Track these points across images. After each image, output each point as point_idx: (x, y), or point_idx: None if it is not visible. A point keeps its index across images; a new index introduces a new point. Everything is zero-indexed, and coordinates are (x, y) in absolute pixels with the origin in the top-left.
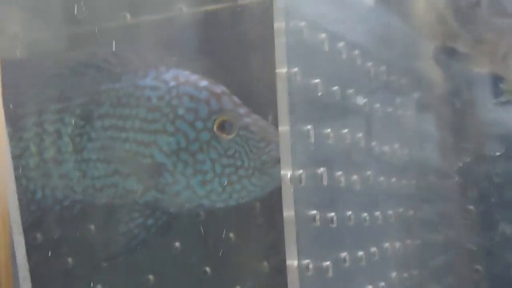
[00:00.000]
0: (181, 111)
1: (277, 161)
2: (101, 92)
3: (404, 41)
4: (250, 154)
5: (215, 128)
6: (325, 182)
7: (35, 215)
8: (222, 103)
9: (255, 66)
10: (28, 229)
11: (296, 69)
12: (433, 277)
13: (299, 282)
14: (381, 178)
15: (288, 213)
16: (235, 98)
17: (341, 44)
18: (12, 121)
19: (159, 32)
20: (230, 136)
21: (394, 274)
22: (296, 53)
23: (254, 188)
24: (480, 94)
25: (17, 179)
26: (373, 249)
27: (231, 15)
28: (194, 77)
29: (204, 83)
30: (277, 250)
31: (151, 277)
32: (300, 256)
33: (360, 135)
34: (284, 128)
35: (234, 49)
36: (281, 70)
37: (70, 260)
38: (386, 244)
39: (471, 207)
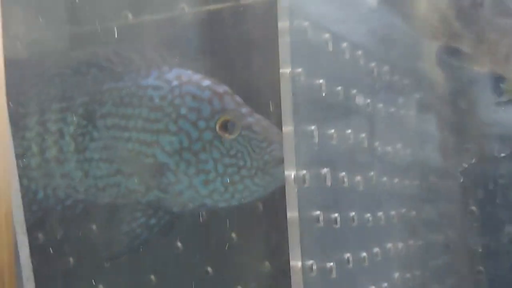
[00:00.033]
0: (183, 111)
1: (280, 161)
2: (104, 92)
3: (406, 41)
4: (252, 154)
5: (217, 127)
6: (328, 183)
7: (36, 215)
8: (224, 103)
9: (257, 66)
10: (30, 229)
11: (300, 69)
12: (435, 277)
13: (303, 283)
14: (384, 179)
15: (292, 213)
16: (238, 98)
17: (344, 44)
18: (14, 120)
19: (161, 31)
20: (232, 136)
21: (396, 275)
22: (300, 53)
23: (256, 188)
24: (483, 95)
25: (19, 178)
26: (376, 249)
27: (234, 15)
28: (196, 77)
29: (206, 82)
30: (279, 251)
31: (152, 277)
32: (304, 257)
33: (363, 135)
34: (288, 128)
35: (236, 49)
36: (285, 70)
37: (72, 260)
38: (389, 245)
39: (473, 208)
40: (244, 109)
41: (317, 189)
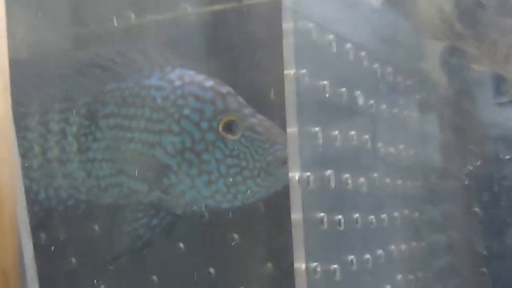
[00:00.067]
0: (186, 111)
1: (282, 162)
2: (106, 92)
3: (410, 42)
4: (255, 154)
5: (220, 128)
6: (332, 184)
7: (38, 215)
8: (227, 104)
9: (260, 66)
10: (32, 230)
11: (304, 70)
12: (438, 279)
13: (307, 285)
14: (387, 180)
15: (296, 215)
16: (241, 99)
17: (348, 45)
18: (16, 120)
19: (164, 32)
20: (235, 137)
21: (399, 277)
22: (304, 54)
23: (259, 188)
24: (487, 96)
25: None
26: (380, 251)
27: (237, 15)
28: (199, 77)
29: (209, 83)
30: (282, 252)
31: (155, 277)
32: (308, 259)
33: (366, 136)
34: (292, 129)
35: (239, 49)
36: (289, 71)
37: (74, 260)
38: (392, 247)
39: (477, 209)
40: (247, 110)
41: (321, 190)
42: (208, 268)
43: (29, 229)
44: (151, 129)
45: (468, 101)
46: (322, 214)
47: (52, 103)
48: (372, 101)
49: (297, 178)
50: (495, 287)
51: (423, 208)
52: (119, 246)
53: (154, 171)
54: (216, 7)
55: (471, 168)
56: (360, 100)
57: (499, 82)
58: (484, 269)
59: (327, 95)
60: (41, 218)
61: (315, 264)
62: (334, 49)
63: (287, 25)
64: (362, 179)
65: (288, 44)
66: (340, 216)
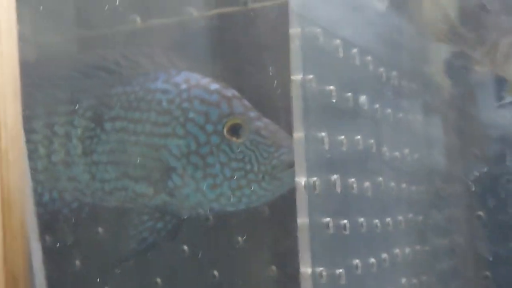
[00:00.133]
0: (191, 114)
1: (287, 166)
2: (112, 95)
3: (414, 45)
4: (260, 158)
5: (225, 131)
6: (338, 189)
7: (42, 218)
8: (233, 107)
9: (265, 70)
10: None
11: (311, 76)
12: (442, 283)
13: None
14: (392, 184)
15: (302, 220)
16: (246, 102)
17: (354, 50)
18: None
19: (170, 35)
20: (240, 140)
21: (404, 280)
22: (311, 60)
23: (264, 192)
24: (490, 99)
25: None
26: (384, 255)
27: (242, 19)
28: (205, 80)
29: (215, 86)
30: (287, 255)
31: (159, 280)
32: (314, 264)
33: (372, 141)
34: (298, 134)
35: (244, 53)
36: (297, 76)
37: (78, 263)
38: (397, 250)
39: (480, 213)
40: (252, 113)
41: (327, 195)
42: (213, 270)
43: (37, 232)
44: (156, 132)
45: (471, 104)
46: (328, 219)
47: (58, 105)
48: (377, 105)
49: (303, 183)
50: None
51: (428, 212)
52: (124, 249)
53: (159, 174)
54: (222, 11)
55: (478, 174)
56: (366, 105)
57: (500, 83)
58: (487, 273)
59: (334, 100)
60: (45, 221)
61: (321, 268)
62: (341, 54)
63: (294, 30)
64: (367, 183)
65: (295, 49)
66: (345, 221)
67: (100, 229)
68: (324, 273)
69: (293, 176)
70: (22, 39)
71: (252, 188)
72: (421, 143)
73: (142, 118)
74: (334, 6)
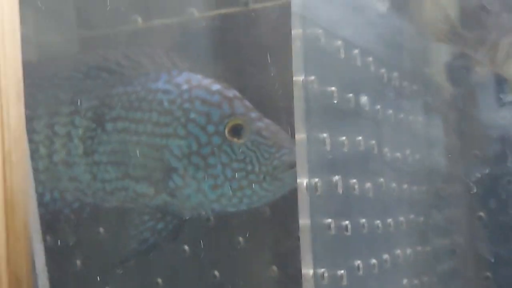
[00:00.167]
0: (193, 115)
1: (288, 166)
2: (113, 95)
3: (415, 46)
4: (261, 158)
5: (226, 132)
6: (340, 190)
7: (43, 218)
8: (234, 107)
9: (266, 71)
10: None
11: (313, 77)
12: (443, 284)
13: None
14: (393, 185)
15: (304, 221)
16: (247, 103)
17: (356, 51)
18: None
19: (171, 36)
20: (241, 141)
21: (405, 281)
22: (313, 61)
23: (265, 193)
24: (491, 99)
25: None
26: (385, 256)
27: (243, 20)
28: (206, 81)
29: (216, 87)
30: (287, 256)
31: (159, 280)
32: (315, 265)
33: (373, 141)
34: (300, 135)
35: (245, 53)
36: (298, 78)
37: (79, 263)
38: (398, 251)
39: (481, 214)
40: (254, 114)
41: (329, 196)
42: (213, 271)
43: (41, 236)
44: (157, 132)
45: (472, 105)
46: (329, 220)
47: (59, 105)
48: (378, 106)
49: (305, 184)
50: None
51: (428, 213)
52: (125, 250)
53: (160, 174)
54: (223, 11)
55: (479, 175)
56: (367, 106)
57: (501, 83)
58: (488, 273)
59: (335, 101)
60: (47, 221)
61: (322, 269)
62: (342, 55)
63: (296, 31)
64: (368, 184)
65: (297, 51)
66: (347, 222)
67: (101, 229)
68: (326, 274)
69: (294, 177)
70: (23, 39)
71: (253, 189)
72: (422, 144)
73: (144, 118)
74: (335, 7)
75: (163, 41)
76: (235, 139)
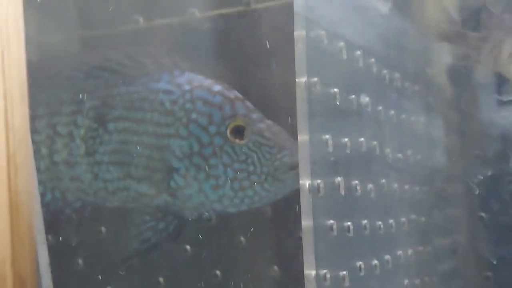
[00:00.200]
0: (194, 115)
1: (290, 167)
2: (115, 95)
3: (417, 46)
4: (263, 159)
5: (228, 133)
6: (342, 191)
7: (44, 217)
8: (235, 108)
9: (267, 71)
10: None
11: (315, 78)
12: (443, 283)
13: None
14: (395, 185)
15: (307, 223)
16: (249, 103)
17: (358, 52)
18: None
19: (173, 35)
20: (243, 141)
21: (406, 282)
22: (315, 62)
23: (266, 193)
24: (492, 100)
25: None
26: (387, 256)
27: (245, 19)
28: (208, 82)
29: (218, 87)
30: (289, 256)
31: (161, 279)
32: (318, 266)
33: (375, 142)
34: (303, 137)
35: (247, 54)
36: (301, 79)
37: (80, 262)
38: (399, 252)
39: (482, 214)
40: (255, 115)
41: (331, 197)
42: (215, 270)
43: (44, 237)
44: (159, 132)
45: (474, 105)
46: (331, 221)
47: (61, 105)
48: (380, 107)
49: (307, 185)
50: None
51: (430, 213)
52: (126, 249)
53: (161, 174)
54: (224, 11)
55: (482, 177)
56: (369, 106)
57: (502, 83)
58: (489, 273)
59: (338, 102)
60: (47, 220)
61: (324, 271)
62: (345, 56)
63: (299, 32)
64: (370, 185)
65: (300, 52)
66: (349, 223)
67: (102, 229)
68: (328, 276)
69: (295, 178)
70: (25, 39)
71: (255, 190)
72: (424, 145)
73: (145, 118)
74: (337, 8)
75: (164, 41)
76: (237, 140)
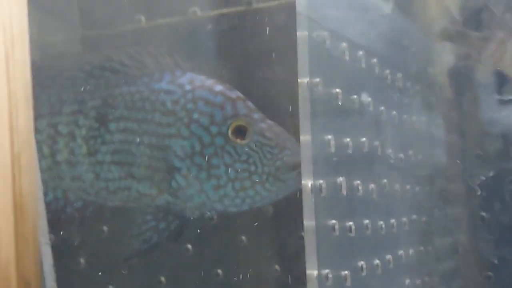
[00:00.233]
0: (196, 116)
1: (291, 167)
2: (116, 95)
3: (419, 46)
4: (264, 159)
5: (229, 133)
6: (344, 192)
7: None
8: (237, 108)
9: (269, 71)
10: None
11: (318, 79)
12: (444, 283)
13: None
14: (396, 185)
15: (309, 222)
16: (250, 104)
17: (360, 53)
18: None
19: (174, 35)
20: (244, 141)
21: (407, 281)
22: (318, 63)
23: (267, 193)
24: (494, 100)
25: None
26: (388, 256)
27: (246, 19)
28: (209, 82)
29: (219, 87)
30: (291, 255)
31: (163, 278)
32: (320, 266)
33: (377, 143)
34: (305, 137)
35: (249, 54)
36: (303, 80)
37: (82, 261)
38: (401, 252)
39: (483, 214)
40: (257, 115)
41: (333, 198)
42: (216, 269)
43: (48, 238)
44: (160, 132)
45: (475, 105)
46: (333, 221)
47: (62, 105)
48: (382, 107)
49: (309, 186)
50: None
51: (431, 213)
52: (127, 249)
53: (162, 174)
54: (226, 11)
55: (484, 178)
56: (371, 106)
57: (504, 83)
58: (490, 273)
59: (340, 103)
60: (49, 220)
61: (326, 270)
62: (347, 57)
63: (301, 33)
64: (372, 185)
65: (302, 52)
66: (351, 223)
67: (104, 228)
68: (330, 275)
69: (296, 178)
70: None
71: (256, 189)
72: (425, 144)
73: (147, 118)
74: (340, 8)
75: (166, 40)
76: (238, 140)
